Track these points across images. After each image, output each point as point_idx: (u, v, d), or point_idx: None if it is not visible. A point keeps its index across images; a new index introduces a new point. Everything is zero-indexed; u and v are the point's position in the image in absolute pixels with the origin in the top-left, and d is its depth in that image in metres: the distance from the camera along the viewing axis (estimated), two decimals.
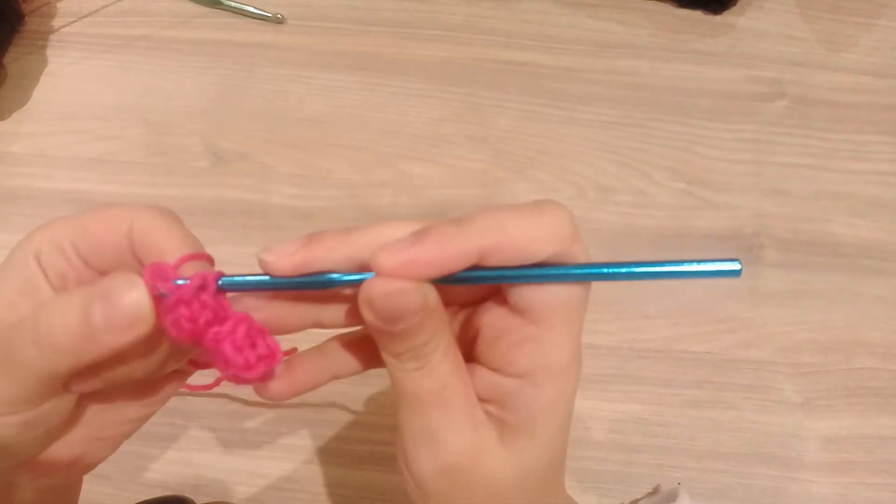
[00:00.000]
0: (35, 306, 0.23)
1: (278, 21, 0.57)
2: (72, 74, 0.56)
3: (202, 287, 0.22)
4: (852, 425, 0.44)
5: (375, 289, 0.21)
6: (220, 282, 0.22)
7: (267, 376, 0.24)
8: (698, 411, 0.45)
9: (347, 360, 0.27)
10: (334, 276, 0.22)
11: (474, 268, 0.22)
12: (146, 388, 0.27)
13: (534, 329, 0.23)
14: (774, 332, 0.47)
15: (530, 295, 0.22)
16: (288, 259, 0.22)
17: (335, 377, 0.27)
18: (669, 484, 0.42)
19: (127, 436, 0.27)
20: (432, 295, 0.22)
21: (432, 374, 0.23)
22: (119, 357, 0.22)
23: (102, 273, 0.24)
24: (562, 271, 0.22)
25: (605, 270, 0.22)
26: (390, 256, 0.21)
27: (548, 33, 0.57)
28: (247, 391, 0.44)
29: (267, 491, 0.43)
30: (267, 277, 0.23)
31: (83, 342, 0.21)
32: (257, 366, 0.23)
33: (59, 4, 0.58)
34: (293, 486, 0.43)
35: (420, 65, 0.56)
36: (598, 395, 0.45)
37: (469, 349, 0.25)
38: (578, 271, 0.22)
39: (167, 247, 0.23)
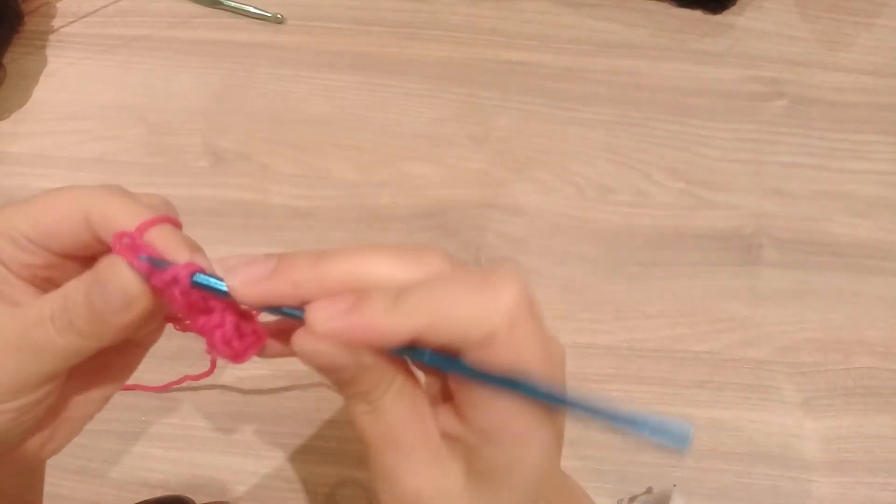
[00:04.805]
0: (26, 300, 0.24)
1: (278, 21, 0.57)
2: (71, 74, 0.56)
3: (174, 280, 0.22)
4: (852, 424, 0.44)
5: (305, 344, 0.21)
6: (193, 279, 0.22)
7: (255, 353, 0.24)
8: (698, 411, 0.45)
9: None
10: (287, 309, 0.22)
11: (417, 343, 0.21)
12: (112, 365, 0.27)
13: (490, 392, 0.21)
14: (774, 331, 0.47)
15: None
16: (252, 288, 0.22)
17: None
18: (663, 485, 0.42)
19: (91, 417, 0.27)
20: (365, 354, 0.21)
21: (382, 417, 0.22)
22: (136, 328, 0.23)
23: (68, 255, 0.24)
24: (495, 380, 0.21)
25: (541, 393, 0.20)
26: (323, 319, 0.21)
27: (548, 33, 0.57)
28: (245, 386, 0.44)
29: (266, 491, 0.43)
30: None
31: (97, 326, 0.22)
32: (245, 354, 0.23)
33: (58, 4, 0.58)
34: (293, 486, 0.43)
35: (420, 65, 0.56)
36: None
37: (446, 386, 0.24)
38: (510, 384, 0.20)
39: (131, 224, 0.23)
